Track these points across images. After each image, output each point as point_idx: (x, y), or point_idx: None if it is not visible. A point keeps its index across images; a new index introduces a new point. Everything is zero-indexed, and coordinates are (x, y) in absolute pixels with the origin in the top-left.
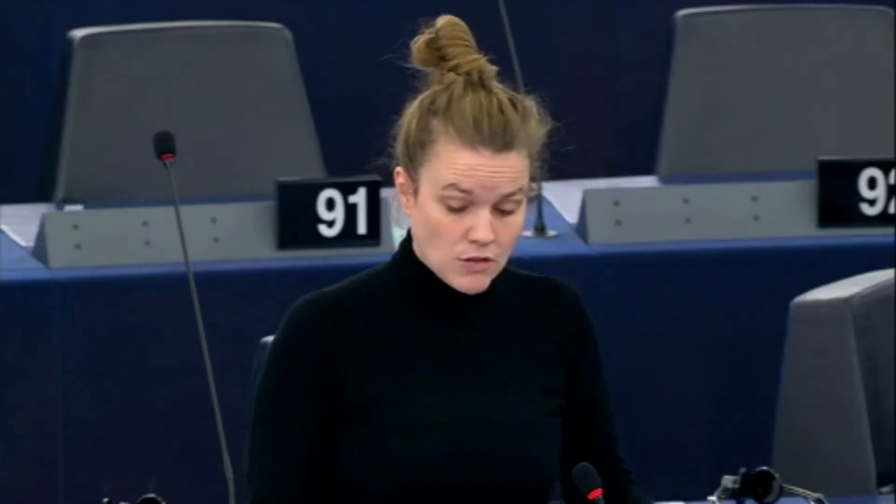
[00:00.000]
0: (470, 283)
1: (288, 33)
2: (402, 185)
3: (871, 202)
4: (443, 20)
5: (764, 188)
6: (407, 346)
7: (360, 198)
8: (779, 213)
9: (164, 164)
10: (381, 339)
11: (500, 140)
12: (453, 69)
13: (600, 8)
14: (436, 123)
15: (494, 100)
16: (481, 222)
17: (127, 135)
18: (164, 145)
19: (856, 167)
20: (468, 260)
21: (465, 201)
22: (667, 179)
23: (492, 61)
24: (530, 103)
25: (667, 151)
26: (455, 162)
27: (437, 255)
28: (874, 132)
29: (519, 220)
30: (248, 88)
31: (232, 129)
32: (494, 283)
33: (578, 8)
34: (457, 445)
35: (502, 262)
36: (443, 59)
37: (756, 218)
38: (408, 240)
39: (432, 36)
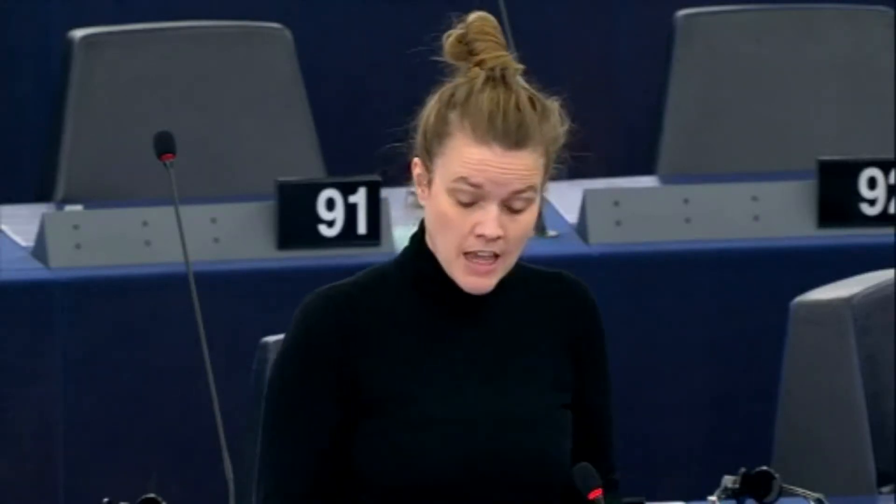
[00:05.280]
0: (475, 282)
1: (288, 33)
2: (418, 175)
3: (871, 202)
4: (474, 15)
5: (764, 188)
6: (419, 341)
7: (360, 198)
8: (779, 213)
9: (164, 164)
10: (393, 334)
11: (513, 137)
12: (479, 64)
13: (600, 8)
14: (453, 116)
15: (513, 97)
16: (489, 217)
17: (127, 135)
18: (164, 145)
19: (856, 167)
20: (474, 258)
21: (475, 196)
22: (667, 179)
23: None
24: (552, 104)
25: (667, 151)
26: (467, 156)
27: (445, 248)
28: (874, 132)
29: (529, 219)
30: (248, 88)
31: (232, 129)
32: (505, 277)
33: (578, 8)
34: (470, 441)
35: (510, 262)
36: (471, 53)
37: (756, 218)
38: (420, 232)
39: (463, 31)
